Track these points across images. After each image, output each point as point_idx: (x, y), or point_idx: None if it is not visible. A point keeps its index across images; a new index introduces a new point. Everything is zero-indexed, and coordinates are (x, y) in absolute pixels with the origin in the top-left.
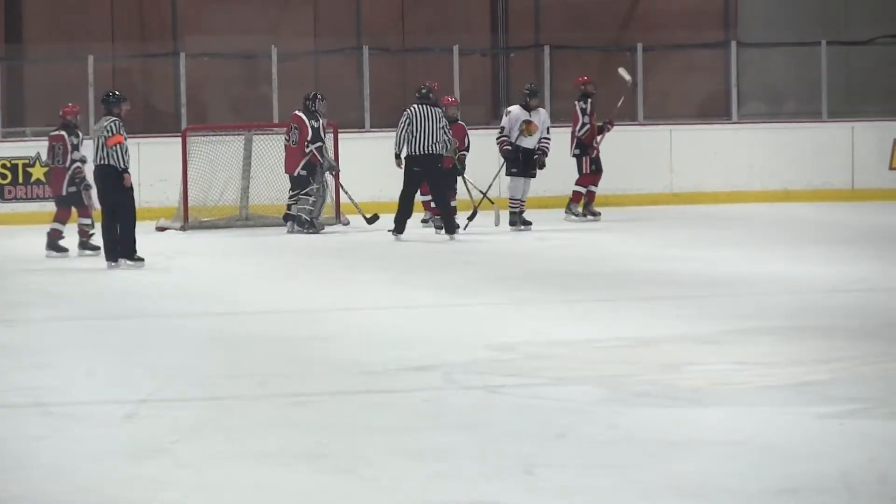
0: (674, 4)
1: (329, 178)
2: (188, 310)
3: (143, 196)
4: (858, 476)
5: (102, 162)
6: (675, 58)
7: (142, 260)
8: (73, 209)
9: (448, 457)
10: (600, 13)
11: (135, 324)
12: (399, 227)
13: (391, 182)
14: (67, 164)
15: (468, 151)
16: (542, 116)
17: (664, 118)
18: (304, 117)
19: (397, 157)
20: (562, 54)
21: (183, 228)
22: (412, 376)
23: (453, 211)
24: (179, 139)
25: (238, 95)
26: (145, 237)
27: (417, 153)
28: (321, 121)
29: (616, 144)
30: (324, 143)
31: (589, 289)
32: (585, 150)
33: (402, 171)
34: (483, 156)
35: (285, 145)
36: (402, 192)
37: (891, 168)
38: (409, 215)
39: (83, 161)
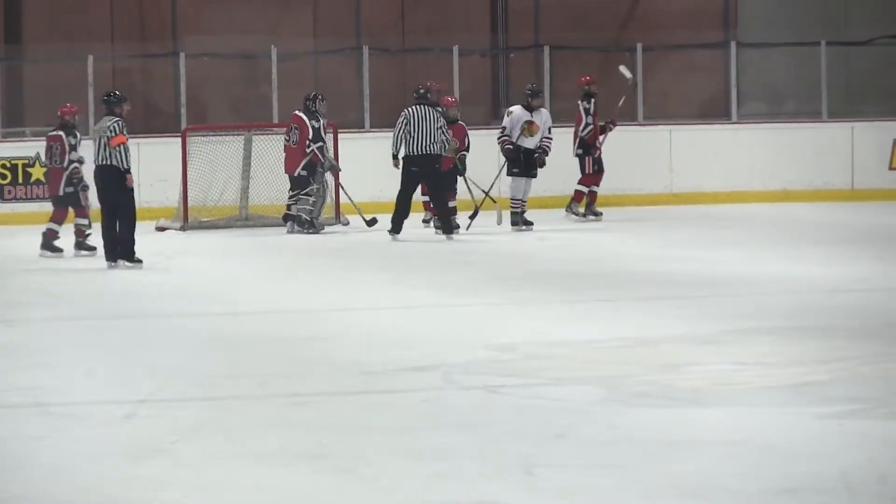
0: (674, 4)
1: (329, 178)
2: (188, 310)
3: (143, 196)
4: (858, 476)
5: (104, 162)
6: (675, 58)
7: (140, 261)
8: (70, 209)
9: (448, 457)
10: (600, 13)
11: (135, 324)
12: (396, 228)
13: (391, 182)
14: (65, 164)
15: (468, 151)
16: (543, 117)
17: (664, 118)
18: (304, 117)
19: (395, 157)
20: (562, 54)
21: (183, 228)
22: (412, 376)
23: (453, 211)
24: (179, 139)
25: (238, 95)
26: (145, 237)
27: (415, 153)
28: (322, 121)
29: (616, 144)
30: (325, 143)
31: (589, 289)
32: (588, 149)
33: (400, 171)
34: (483, 156)
35: (285, 145)
36: (400, 192)
37: (891, 168)
38: (406, 215)
39: (81, 161)
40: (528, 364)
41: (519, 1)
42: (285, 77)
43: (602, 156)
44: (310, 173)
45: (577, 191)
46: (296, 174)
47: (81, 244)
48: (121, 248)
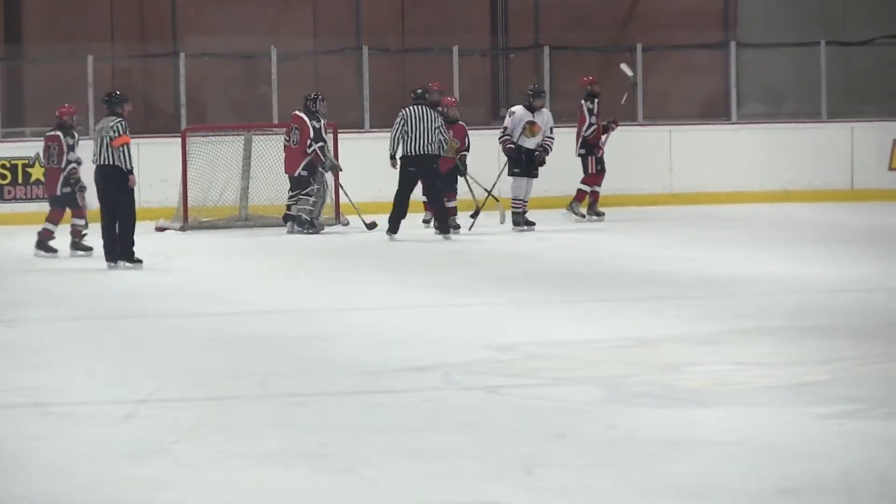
0: (674, 4)
1: (329, 178)
2: (188, 310)
3: (143, 196)
4: (858, 476)
5: (106, 162)
6: (674, 58)
7: (140, 262)
8: (67, 210)
9: (448, 457)
10: (600, 13)
11: (135, 324)
12: (393, 227)
13: (390, 182)
14: (62, 164)
15: (468, 152)
16: (545, 117)
17: (664, 118)
18: (305, 117)
19: (392, 157)
20: (561, 55)
21: (182, 229)
22: (412, 376)
23: (453, 211)
24: (179, 139)
25: (238, 96)
26: (145, 237)
27: (412, 153)
28: (322, 121)
29: (616, 145)
30: (326, 143)
31: (589, 289)
32: (591, 149)
33: (398, 171)
34: (483, 156)
35: (285, 146)
36: (398, 192)
37: (890, 168)
38: (403, 216)
39: (78, 162)
40: (528, 364)
41: (519, 1)
42: (285, 77)
43: (604, 156)
44: (310, 173)
45: (579, 190)
46: (296, 174)
47: (77, 244)
48: (120, 249)
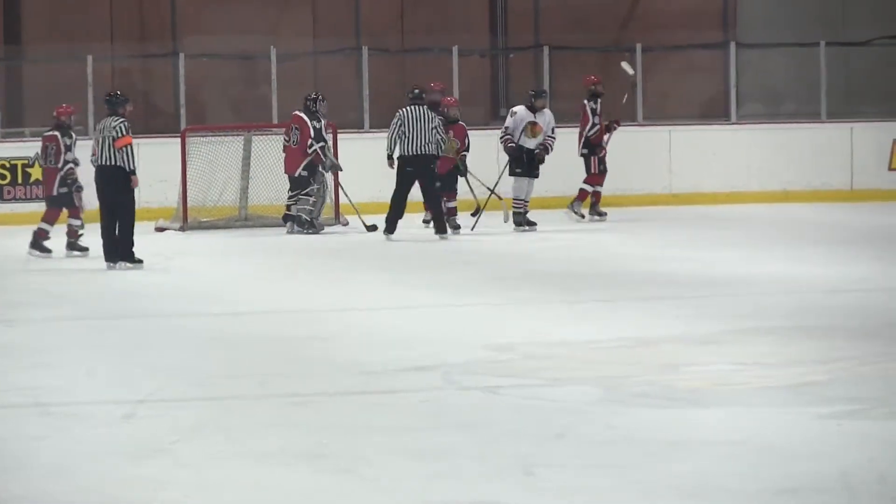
0: (673, 5)
1: (329, 178)
2: (188, 310)
3: (143, 196)
4: (858, 476)
5: (108, 163)
6: (674, 58)
7: (140, 262)
8: (64, 210)
9: (448, 457)
10: (600, 14)
11: (135, 324)
12: (390, 228)
13: (390, 182)
14: (60, 164)
15: (468, 152)
16: (546, 117)
17: (663, 119)
18: (305, 118)
19: (389, 158)
20: (561, 55)
21: (182, 229)
22: (412, 376)
23: (453, 211)
24: (179, 139)
25: (237, 96)
26: (144, 237)
27: (410, 153)
28: (322, 121)
29: (616, 145)
30: (326, 142)
31: (588, 289)
32: (594, 149)
33: (395, 171)
34: (483, 156)
35: (285, 146)
36: (395, 192)
37: (890, 169)
38: (400, 216)
39: (76, 162)
40: (527, 364)
41: (519, 1)
42: (285, 77)
43: (606, 156)
44: (310, 174)
45: (581, 190)
46: (296, 174)
47: (74, 244)
48: (120, 249)
